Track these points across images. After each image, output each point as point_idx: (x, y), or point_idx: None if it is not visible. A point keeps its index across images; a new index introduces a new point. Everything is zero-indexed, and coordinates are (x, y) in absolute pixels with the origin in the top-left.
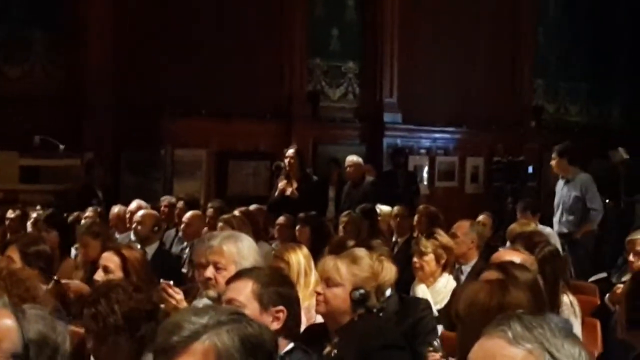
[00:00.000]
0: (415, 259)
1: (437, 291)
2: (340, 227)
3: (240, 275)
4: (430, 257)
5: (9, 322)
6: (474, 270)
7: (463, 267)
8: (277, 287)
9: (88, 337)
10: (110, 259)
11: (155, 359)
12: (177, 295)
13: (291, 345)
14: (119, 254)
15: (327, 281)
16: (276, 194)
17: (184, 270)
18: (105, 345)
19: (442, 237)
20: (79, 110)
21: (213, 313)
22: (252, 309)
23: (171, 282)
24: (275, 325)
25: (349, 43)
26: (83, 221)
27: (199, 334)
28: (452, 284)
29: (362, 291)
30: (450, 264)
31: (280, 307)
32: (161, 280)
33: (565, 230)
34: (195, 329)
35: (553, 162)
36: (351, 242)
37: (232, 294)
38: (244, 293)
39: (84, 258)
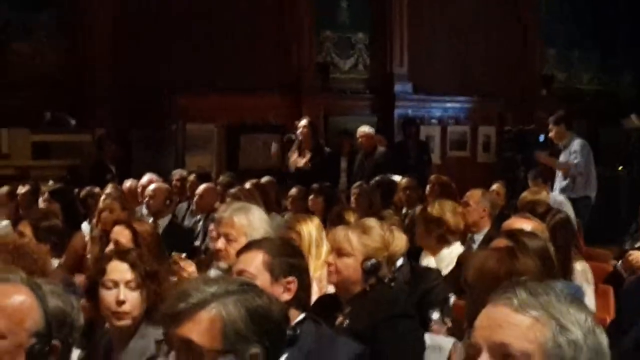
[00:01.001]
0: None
1: (441, 258)
2: (352, 199)
3: (250, 246)
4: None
5: (29, 299)
6: (486, 239)
7: (475, 236)
8: (288, 257)
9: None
10: (121, 233)
11: (162, 325)
12: (189, 267)
13: (302, 315)
14: (130, 227)
15: (339, 251)
16: (290, 161)
17: (197, 243)
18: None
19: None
20: (89, 87)
21: (222, 283)
22: (262, 280)
23: (183, 255)
24: (286, 296)
25: (358, 14)
26: (103, 197)
27: (206, 303)
28: (458, 250)
29: (373, 261)
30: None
31: (291, 278)
32: (173, 253)
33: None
34: (203, 298)
35: (551, 133)
36: (350, 214)
37: (242, 265)
38: (255, 264)
39: (103, 226)
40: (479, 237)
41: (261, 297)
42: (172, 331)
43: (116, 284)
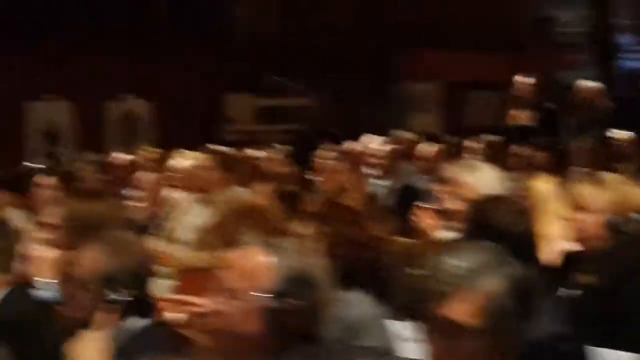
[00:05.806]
0: None
1: None
2: (576, 155)
3: None
4: None
5: (265, 260)
6: None
7: None
8: None
9: None
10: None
11: (411, 302)
12: (430, 219)
13: None
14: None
15: (579, 207)
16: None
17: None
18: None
19: None
20: (311, 51)
21: (475, 256)
22: None
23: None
24: None
25: None
26: (320, 160)
27: (466, 280)
28: None
29: (616, 216)
30: None
31: None
32: (417, 203)
33: None
34: (462, 275)
35: None
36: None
37: None
38: None
39: (327, 185)
40: None
41: (518, 268)
42: (430, 310)
43: None
